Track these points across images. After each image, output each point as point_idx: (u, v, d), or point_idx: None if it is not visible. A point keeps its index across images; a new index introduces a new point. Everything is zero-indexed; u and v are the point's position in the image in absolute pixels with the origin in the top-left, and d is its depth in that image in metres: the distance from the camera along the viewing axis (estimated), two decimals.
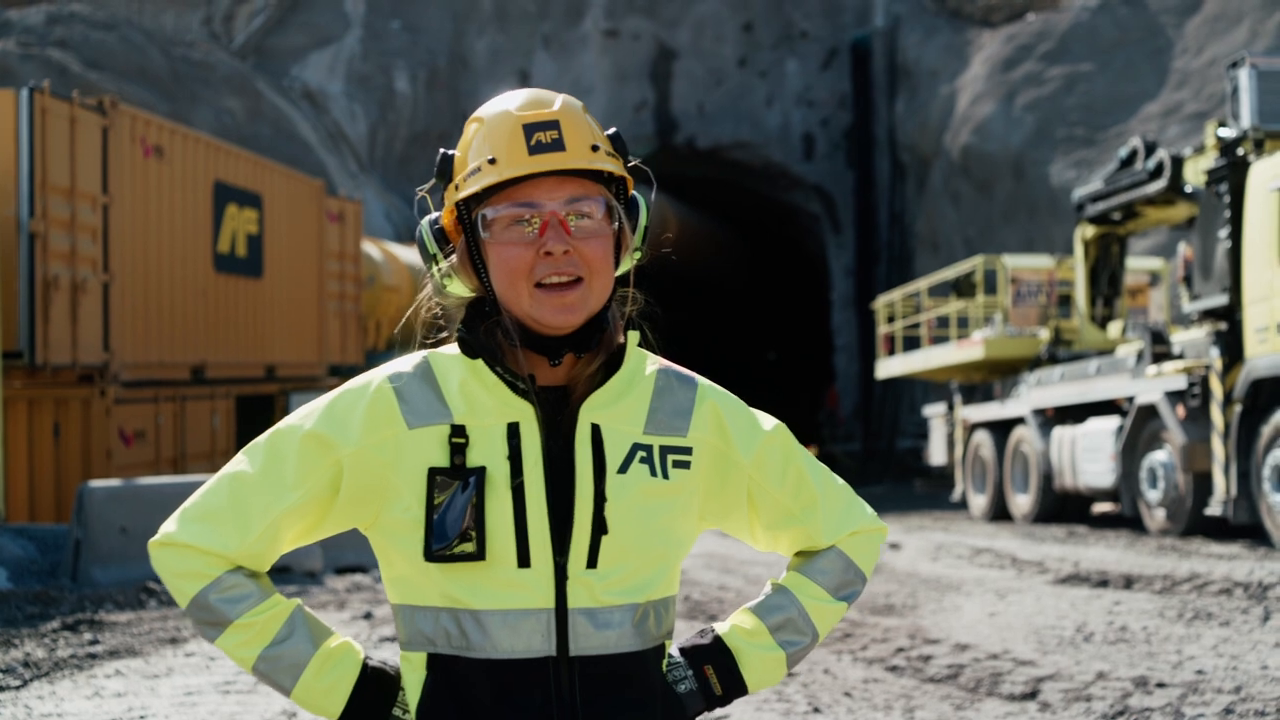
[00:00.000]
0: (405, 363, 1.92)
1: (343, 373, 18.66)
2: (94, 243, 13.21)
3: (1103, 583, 9.87)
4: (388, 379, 1.88)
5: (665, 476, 1.89)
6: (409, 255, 21.96)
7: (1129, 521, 14.38)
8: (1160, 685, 6.25)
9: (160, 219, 14.47)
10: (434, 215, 1.94)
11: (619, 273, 1.93)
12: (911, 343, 20.63)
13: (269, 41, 28.36)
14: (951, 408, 18.87)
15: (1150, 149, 14.65)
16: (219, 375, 15.84)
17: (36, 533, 11.33)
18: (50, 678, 6.78)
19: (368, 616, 8.59)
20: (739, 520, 2.01)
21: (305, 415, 1.90)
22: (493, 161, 1.83)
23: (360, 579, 10.42)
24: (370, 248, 20.85)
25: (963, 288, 18.20)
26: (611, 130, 1.95)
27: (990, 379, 17.88)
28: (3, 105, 12.34)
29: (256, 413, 16.92)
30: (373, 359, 19.38)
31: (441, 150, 1.94)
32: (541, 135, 1.83)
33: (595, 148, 1.86)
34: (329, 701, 1.89)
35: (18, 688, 6.54)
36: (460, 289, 1.93)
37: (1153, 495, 13.25)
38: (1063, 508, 15.51)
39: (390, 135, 28.69)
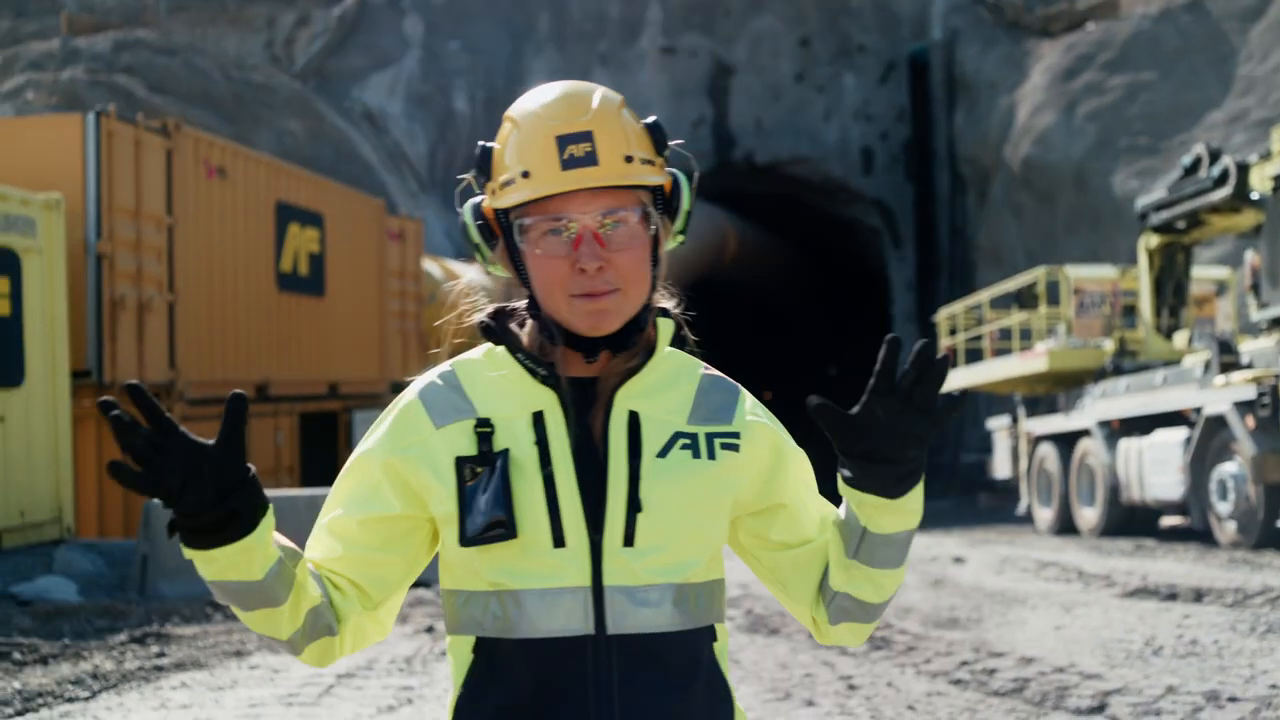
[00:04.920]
0: (433, 373, 1.97)
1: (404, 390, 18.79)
2: (159, 263, 13.41)
3: (1172, 596, 9.71)
4: (416, 390, 1.95)
5: (711, 457, 1.90)
6: (469, 272, 22.08)
7: (1198, 535, 14.14)
8: (1232, 699, 6.13)
9: (223, 239, 14.66)
10: (476, 201, 1.94)
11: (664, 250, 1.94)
12: (974, 355, 20.45)
13: (329, 64, 28.70)
14: (1015, 420, 18.67)
15: (1215, 156, 14.44)
16: (283, 393, 16.00)
17: (105, 548, 11.50)
18: (118, 689, 6.87)
19: (429, 630, 8.63)
20: (764, 522, 1.98)
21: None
22: (526, 175, 1.84)
23: (423, 594, 10.46)
24: (431, 265, 21.01)
25: (1025, 299, 18.03)
26: (650, 119, 1.93)
27: (1054, 391, 17.68)
28: (71, 129, 12.58)
29: (320, 430, 17.08)
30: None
31: (480, 143, 1.94)
32: (574, 148, 1.83)
33: (630, 158, 1.85)
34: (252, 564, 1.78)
35: (87, 699, 6.62)
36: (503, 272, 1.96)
37: (1223, 508, 13.02)
38: (1130, 521, 15.29)
39: (450, 154, 28.90)
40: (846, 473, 1.84)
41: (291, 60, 28.72)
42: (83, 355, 12.27)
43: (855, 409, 1.79)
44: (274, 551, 1.77)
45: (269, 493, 1.79)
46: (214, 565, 1.74)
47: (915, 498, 1.87)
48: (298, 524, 1.94)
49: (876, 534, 1.89)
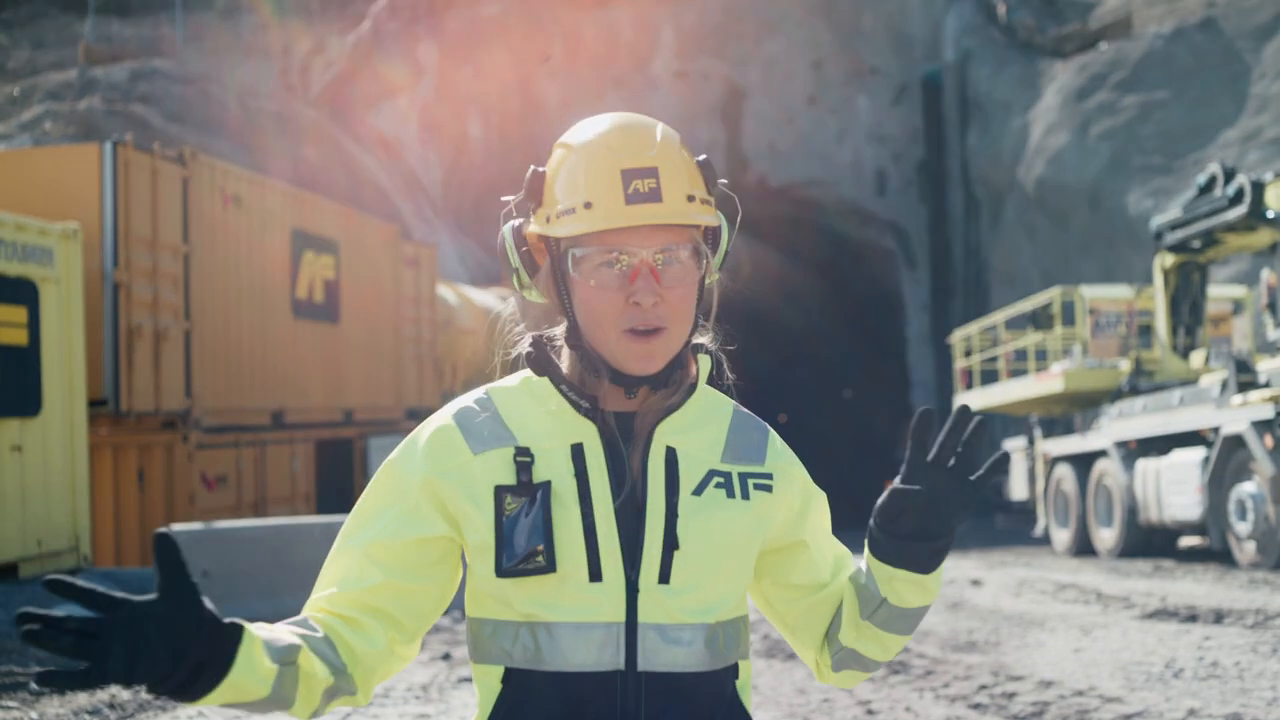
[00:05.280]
0: (466, 398, 1.95)
1: (420, 416, 18.81)
2: (175, 291, 13.46)
3: (1191, 617, 9.65)
4: (451, 414, 1.92)
5: (745, 497, 1.89)
6: (484, 298, 22.14)
7: (1217, 555, 14.06)
8: None
9: (239, 267, 14.72)
10: (517, 223, 1.93)
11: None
12: (989, 376, 20.41)
13: (344, 91, 28.85)
14: (1032, 441, 18.61)
15: (1229, 175, 14.41)
16: (298, 420, 16.03)
17: (122, 576, 11.50)
18: (134, 719, 6.87)
19: (446, 658, 8.62)
20: (786, 562, 1.99)
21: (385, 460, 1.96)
22: (589, 205, 1.82)
23: (440, 620, 10.45)
24: (446, 291, 21.05)
25: (1040, 320, 17.99)
26: (702, 157, 1.93)
27: (1070, 412, 17.63)
28: (88, 159, 12.66)
29: (336, 457, 17.09)
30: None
31: (533, 167, 1.92)
32: (639, 184, 1.82)
33: (691, 198, 1.85)
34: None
35: None
36: (540, 297, 1.95)
37: (1242, 527, 12.95)
38: (1148, 542, 15.21)
39: (463, 180, 29.01)
40: (881, 548, 1.85)
41: (306, 88, 28.87)
42: (100, 384, 12.31)
43: (898, 486, 1.80)
44: (269, 669, 1.67)
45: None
46: (212, 703, 1.65)
47: (940, 573, 1.89)
48: (314, 551, 1.91)
49: (897, 606, 1.90)
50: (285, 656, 1.71)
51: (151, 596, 1.57)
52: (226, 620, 1.63)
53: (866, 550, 1.88)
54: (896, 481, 1.82)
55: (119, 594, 1.55)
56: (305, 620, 1.83)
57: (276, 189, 16.14)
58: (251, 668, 1.64)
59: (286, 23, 29.51)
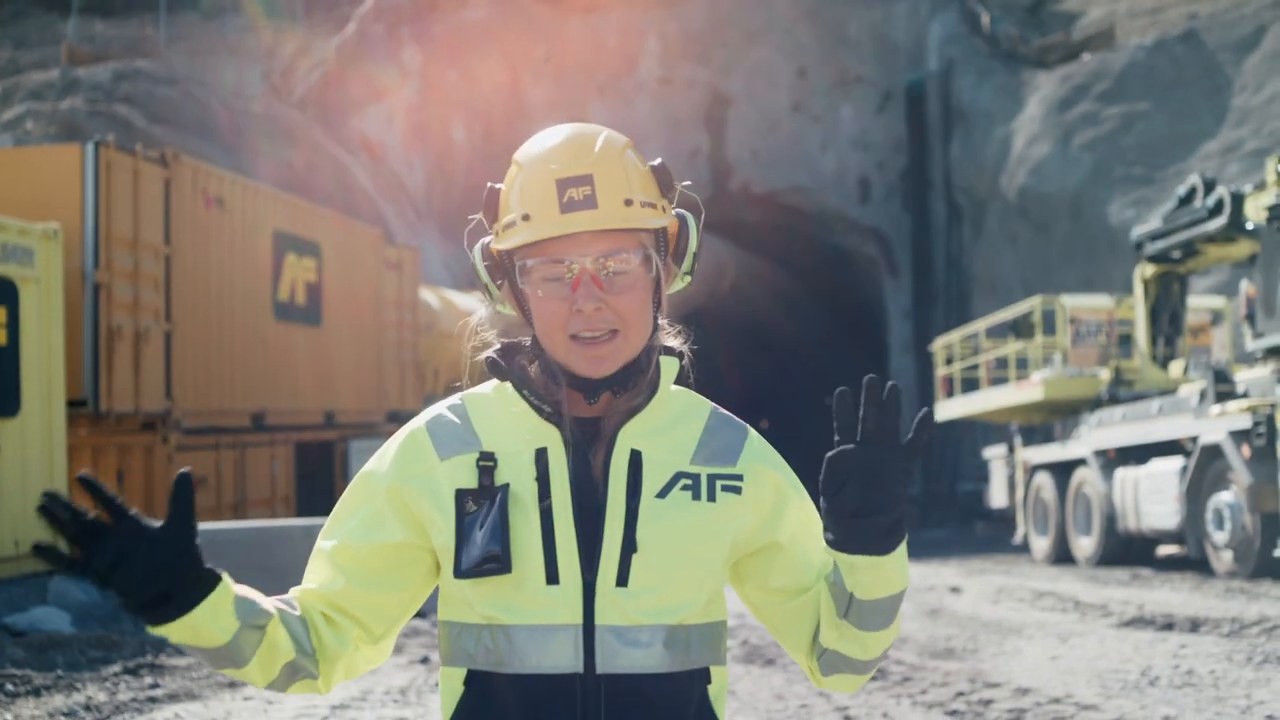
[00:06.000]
0: (441, 404, 1.98)
1: (401, 419, 18.76)
2: (156, 292, 13.42)
3: (1168, 626, 9.69)
4: (424, 421, 1.96)
5: (711, 499, 1.89)
6: (467, 302, 22.12)
7: (1195, 564, 14.13)
8: None
9: (221, 268, 14.68)
10: (486, 240, 1.96)
11: (669, 291, 1.95)
12: (970, 384, 20.47)
13: (328, 94, 28.81)
14: (1012, 449, 18.68)
15: (1210, 186, 14.50)
16: (279, 422, 15.99)
17: None
18: None
19: (424, 661, 8.61)
20: (764, 565, 1.97)
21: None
22: (526, 218, 1.86)
23: (418, 624, 10.43)
24: (428, 295, 21.03)
25: (1021, 329, 18.07)
26: (656, 161, 1.94)
27: (1050, 420, 17.70)
28: (69, 160, 12.61)
29: (316, 459, 17.05)
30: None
31: (489, 185, 1.96)
32: (574, 192, 1.84)
33: (629, 201, 1.86)
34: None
35: None
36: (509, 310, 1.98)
37: (1219, 537, 13.02)
38: (1127, 550, 15.28)
39: (447, 184, 28.99)
40: (832, 536, 1.83)
41: (290, 90, 28.82)
42: (79, 385, 12.25)
43: (829, 456, 1.78)
44: (230, 622, 1.76)
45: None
46: (172, 635, 1.75)
47: (901, 558, 1.86)
48: (294, 554, 1.92)
49: (865, 600, 1.88)
50: (254, 620, 1.80)
51: (157, 523, 1.71)
52: (209, 566, 1.74)
53: (825, 543, 1.86)
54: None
55: (132, 510, 1.71)
56: (291, 600, 1.91)
57: (259, 191, 16.11)
58: (213, 614, 1.75)
59: (276, 24, 29.47)
